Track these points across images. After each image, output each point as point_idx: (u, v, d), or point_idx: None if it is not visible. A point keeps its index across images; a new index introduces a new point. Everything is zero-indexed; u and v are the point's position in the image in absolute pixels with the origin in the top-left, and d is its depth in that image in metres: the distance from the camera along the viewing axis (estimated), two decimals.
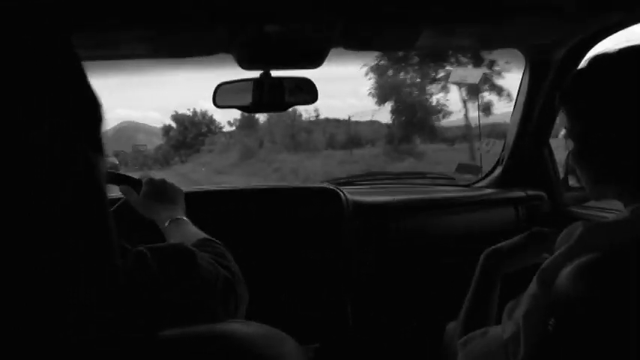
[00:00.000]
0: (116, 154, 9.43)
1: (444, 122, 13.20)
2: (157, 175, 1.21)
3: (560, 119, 0.76)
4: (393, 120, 13.58)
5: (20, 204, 0.47)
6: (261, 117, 15.93)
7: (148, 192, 1.10)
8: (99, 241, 0.51)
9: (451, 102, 13.04)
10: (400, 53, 10.35)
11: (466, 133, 11.71)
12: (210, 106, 1.39)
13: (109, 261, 0.52)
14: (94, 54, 1.24)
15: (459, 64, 10.59)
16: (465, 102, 11.88)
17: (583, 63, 0.75)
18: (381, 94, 13.00)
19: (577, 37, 1.35)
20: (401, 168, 10.28)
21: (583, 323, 0.60)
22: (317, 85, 1.35)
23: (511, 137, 1.68)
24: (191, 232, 0.97)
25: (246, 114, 13.28)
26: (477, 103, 11.95)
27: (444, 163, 8.87)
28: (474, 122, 11.86)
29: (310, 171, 10.90)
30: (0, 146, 0.47)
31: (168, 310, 0.58)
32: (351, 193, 1.51)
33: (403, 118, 13.30)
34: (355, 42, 1.27)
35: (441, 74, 12.19)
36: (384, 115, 14.61)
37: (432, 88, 12.78)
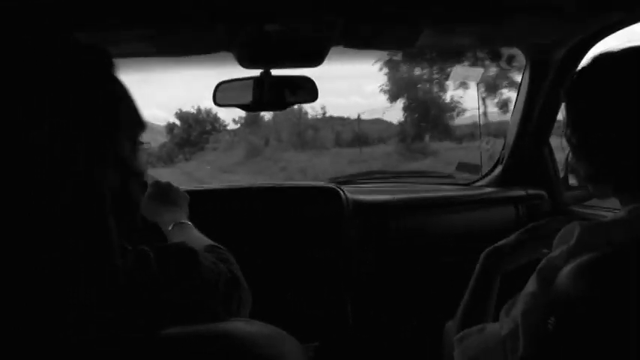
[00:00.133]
0: None
1: (458, 120, 12.95)
2: (161, 173, 1.21)
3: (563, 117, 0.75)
4: (406, 117, 13.35)
5: (20, 204, 0.47)
6: (266, 115, 15.78)
7: (152, 194, 1.09)
8: (99, 241, 0.51)
9: (465, 99, 12.72)
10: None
11: (482, 132, 11.44)
12: None
13: (109, 261, 0.52)
14: None
15: (476, 59, 10.29)
16: (483, 99, 11.45)
17: (585, 62, 0.75)
18: (394, 91, 12.72)
19: (577, 37, 1.35)
20: (415, 167, 10.03)
21: (583, 322, 0.60)
22: (319, 84, 1.35)
23: (511, 136, 1.68)
24: (195, 237, 0.96)
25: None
26: (495, 100, 11.61)
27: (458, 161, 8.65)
28: (491, 119, 11.40)
29: (319, 170, 10.60)
30: (0, 146, 0.47)
31: (169, 309, 0.58)
32: (352, 192, 1.51)
33: (416, 115, 13.05)
34: (355, 41, 1.27)
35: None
36: (395, 113, 14.39)
37: (449, 84, 12.49)
